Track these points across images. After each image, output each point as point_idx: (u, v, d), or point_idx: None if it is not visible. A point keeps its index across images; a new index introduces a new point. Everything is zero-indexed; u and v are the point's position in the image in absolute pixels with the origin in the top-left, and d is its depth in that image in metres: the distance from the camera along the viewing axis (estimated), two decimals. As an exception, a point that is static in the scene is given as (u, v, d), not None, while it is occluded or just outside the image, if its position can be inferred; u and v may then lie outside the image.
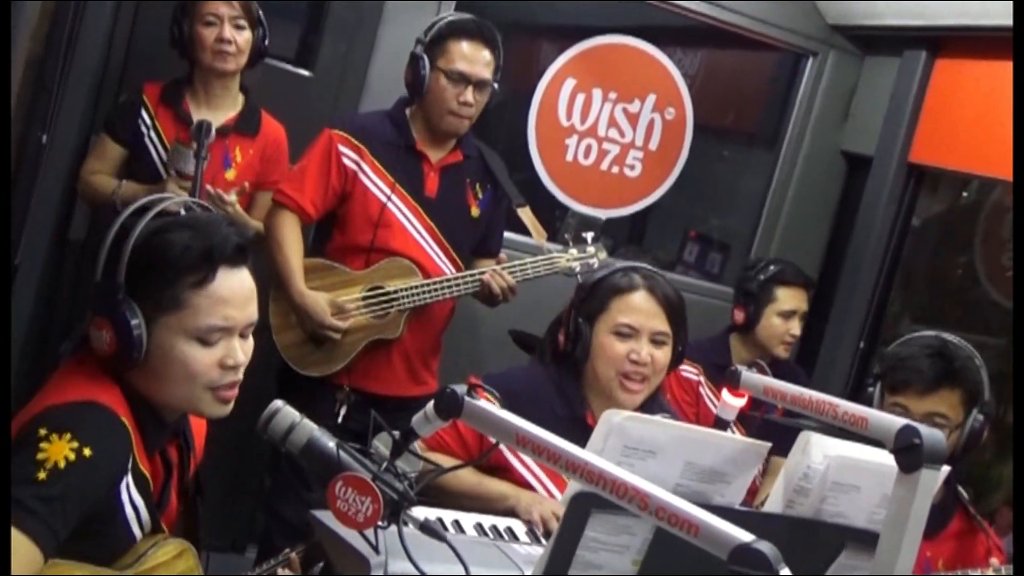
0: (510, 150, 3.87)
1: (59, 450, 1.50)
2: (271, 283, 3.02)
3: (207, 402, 1.68)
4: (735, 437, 1.69)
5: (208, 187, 2.87)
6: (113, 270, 1.61)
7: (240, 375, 1.69)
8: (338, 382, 3.03)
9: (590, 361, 2.34)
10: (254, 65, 3.10)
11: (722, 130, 4.41)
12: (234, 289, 1.66)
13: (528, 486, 2.33)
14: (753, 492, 3.20)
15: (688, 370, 3.41)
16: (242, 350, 1.68)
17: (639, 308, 2.34)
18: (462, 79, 2.98)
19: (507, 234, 3.40)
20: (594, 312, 2.36)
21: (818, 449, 1.69)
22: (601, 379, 2.33)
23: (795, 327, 3.42)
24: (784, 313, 3.43)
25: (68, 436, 1.52)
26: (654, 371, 2.33)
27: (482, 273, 3.03)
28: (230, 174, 3.09)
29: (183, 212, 1.78)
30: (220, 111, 3.07)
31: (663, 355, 2.35)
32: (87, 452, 1.52)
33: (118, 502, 1.61)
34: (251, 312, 1.69)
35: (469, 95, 2.99)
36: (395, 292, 3.00)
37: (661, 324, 2.34)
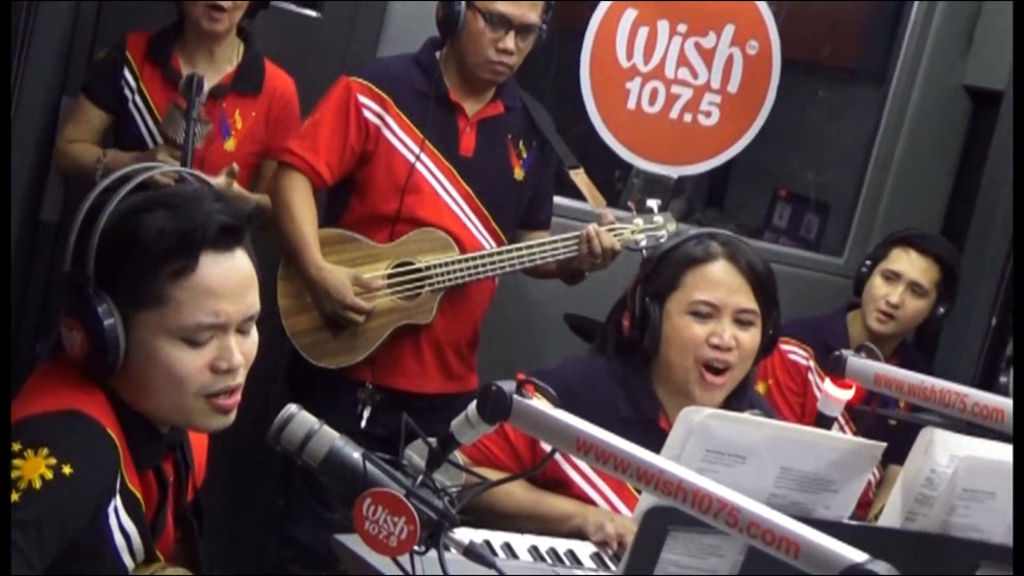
0: (558, 98, 3.86)
1: (35, 468, 1.52)
2: (280, 260, 3.03)
3: (201, 413, 1.68)
4: (842, 437, 1.68)
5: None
6: (82, 259, 1.63)
7: (240, 379, 1.70)
8: (360, 378, 3.04)
9: (662, 349, 2.33)
10: (255, 15, 3.11)
11: (817, 66, 4.37)
12: (223, 278, 1.66)
13: (590, 503, 2.33)
14: (865, 505, 3.19)
15: (796, 352, 3.38)
16: (240, 349, 1.68)
17: (719, 282, 2.32)
18: (503, 22, 2.96)
19: (558, 199, 3.40)
20: (664, 289, 2.34)
21: (944, 449, 1.68)
22: (676, 370, 2.32)
23: (895, 294, 3.34)
24: (888, 274, 3.37)
25: (45, 451, 1.53)
26: (740, 358, 2.31)
27: (528, 248, 3.02)
28: (229, 144, 3.10)
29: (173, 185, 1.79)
30: (216, 66, 3.08)
31: (750, 338, 2.33)
32: (67, 470, 1.53)
33: (105, 528, 1.62)
34: (249, 303, 1.69)
35: (510, 42, 2.98)
36: (427, 269, 3.01)
37: (746, 300, 2.32)
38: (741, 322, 2.32)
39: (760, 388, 3.38)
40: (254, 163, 3.17)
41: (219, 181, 2.85)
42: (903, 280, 3.36)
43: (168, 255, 1.62)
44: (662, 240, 3.03)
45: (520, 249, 3.05)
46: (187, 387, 1.65)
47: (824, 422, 2.10)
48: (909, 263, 3.37)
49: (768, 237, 4.37)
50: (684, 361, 2.31)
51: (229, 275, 1.67)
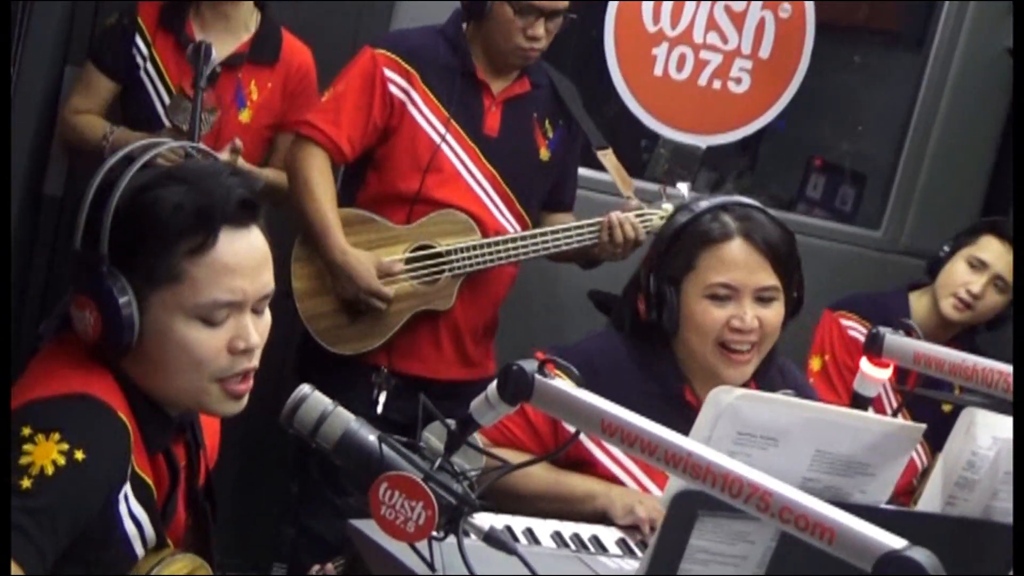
0: (582, 66, 3.84)
1: (46, 453, 1.53)
2: (295, 240, 3.04)
3: (214, 397, 1.69)
4: (879, 418, 1.67)
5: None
6: (94, 236, 1.63)
7: (255, 361, 1.71)
8: (375, 363, 3.05)
9: (681, 331, 2.33)
10: None
11: (853, 29, 4.34)
12: (241, 254, 1.67)
13: (617, 483, 2.33)
14: (909, 493, 3.18)
15: (857, 328, 3.36)
16: (256, 330, 1.69)
17: (736, 262, 2.30)
18: (533, 10, 2.95)
19: (584, 171, 3.39)
20: (679, 271, 2.33)
21: (986, 430, 1.67)
22: (697, 353, 2.32)
23: (978, 284, 3.28)
24: (974, 261, 3.31)
25: (57, 436, 1.54)
26: (764, 335, 2.31)
27: (553, 232, 3.01)
28: (244, 115, 3.11)
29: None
30: (231, 34, 3.08)
31: (773, 314, 2.32)
32: (79, 455, 1.54)
33: (115, 514, 1.63)
34: (265, 281, 1.70)
35: (540, 29, 2.97)
36: (448, 253, 3.01)
37: (766, 277, 2.31)
38: (762, 299, 2.31)
39: (815, 363, 3.38)
40: (269, 136, 3.17)
41: (223, 158, 2.85)
42: (989, 271, 3.30)
43: (186, 231, 1.63)
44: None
45: (545, 234, 3.04)
46: (203, 369, 1.66)
47: (860, 402, 2.10)
48: (999, 254, 3.32)
49: (801, 209, 4.35)
50: (704, 345, 2.30)
51: (246, 252, 1.67)
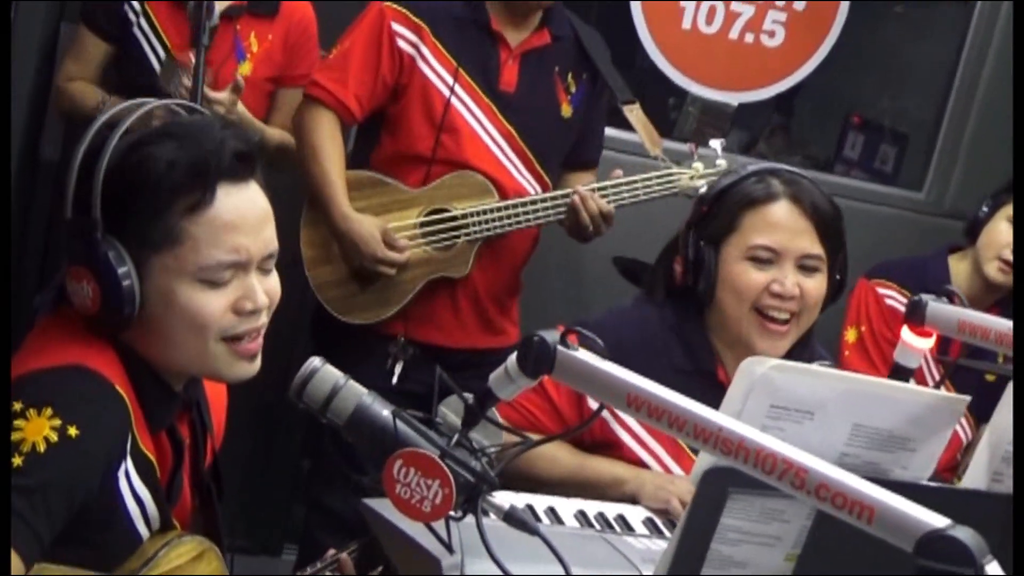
0: (606, 20, 3.83)
1: (38, 429, 1.54)
2: (303, 204, 3.04)
3: (224, 359, 1.70)
4: (921, 390, 1.67)
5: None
6: (86, 202, 1.63)
7: (263, 320, 1.71)
8: (391, 332, 3.06)
9: (717, 297, 2.33)
10: None
11: (894, -22, 4.31)
12: (241, 210, 1.67)
13: (643, 467, 2.33)
14: (952, 469, 3.17)
15: (895, 297, 3.35)
16: (263, 289, 1.69)
17: (780, 224, 2.31)
18: None
19: (610, 131, 3.38)
20: (720, 232, 2.34)
21: (1034, 403, 1.66)
22: (732, 320, 2.32)
23: None
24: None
25: (49, 411, 1.55)
26: (804, 306, 2.31)
27: (566, 196, 3.01)
28: (244, 68, 3.10)
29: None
30: None
31: (815, 285, 2.32)
32: (73, 431, 1.55)
33: (116, 493, 1.64)
34: (267, 238, 1.71)
35: None
36: (463, 217, 3.01)
37: (811, 244, 2.31)
38: (805, 268, 2.31)
39: (850, 335, 3.37)
40: (269, 90, 3.17)
41: (222, 96, 2.85)
42: None
43: (181, 188, 1.63)
44: None
45: (567, 196, 3.02)
46: (209, 331, 1.67)
47: (901, 373, 2.09)
48: None
49: (839, 170, 4.34)
50: (741, 309, 2.30)
51: (246, 208, 1.68)
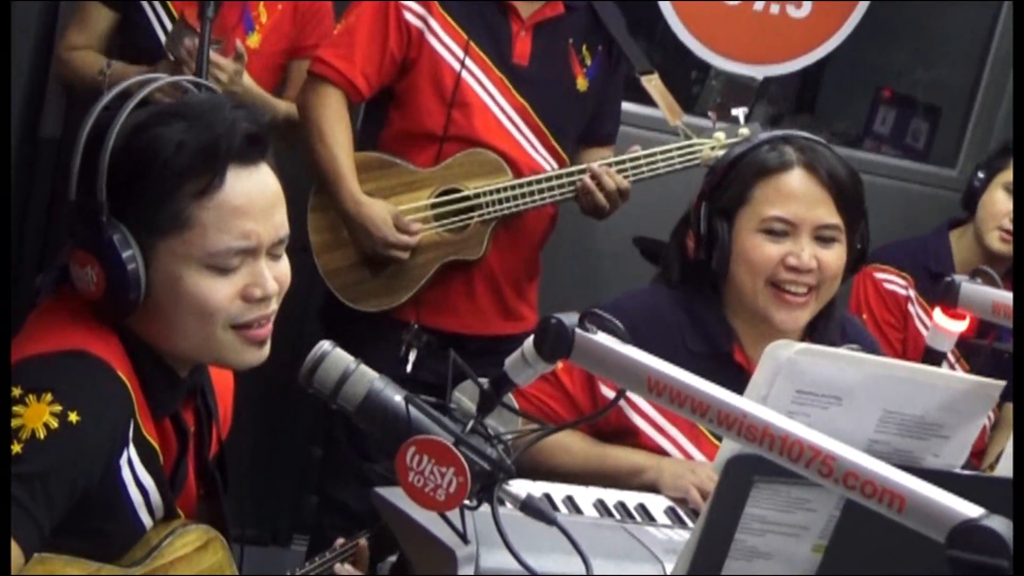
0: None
1: (37, 415, 1.54)
2: (311, 187, 3.04)
3: (232, 346, 1.71)
4: (954, 375, 1.66)
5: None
6: (91, 184, 1.63)
7: (273, 307, 1.71)
8: (404, 318, 3.06)
9: (731, 272, 2.33)
10: None
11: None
12: (252, 194, 1.67)
13: (661, 453, 2.33)
14: (979, 453, 3.17)
15: (893, 281, 3.35)
16: (273, 276, 1.70)
17: (795, 194, 2.30)
18: None
19: (628, 106, 3.37)
20: (733, 204, 2.33)
21: (1072, 387, 1.66)
22: (747, 295, 2.32)
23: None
24: (1011, 186, 3.31)
25: (49, 397, 1.56)
26: (822, 278, 2.30)
27: (582, 171, 3.00)
28: (253, 39, 3.10)
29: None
30: None
31: (834, 256, 2.31)
32: (73, 417, 1.56)
33: (119, 481, 1.65)
34: (278, 223, 1.71)
35: None
36: (476, 197, 3.01)
37: (827, 214, 2.30)
38: (822, 239, 2.30)
39: None
40: (281, 63, 3.17)
41: (226, 63, 2.85)
42: None
43: (190, 172, 1.63)
44: None
45: (583, 172, 3.01)
46: (216, 318, 1.67)
47: (933, 358, 2.09)
48: None
49: (869, 146, 4.32)
50: (756, 284, 2.30)
51: (257, 191, 1.68)
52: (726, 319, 2.37)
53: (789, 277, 2.28)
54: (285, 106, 3.10)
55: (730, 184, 2.34)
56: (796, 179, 2.30)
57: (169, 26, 3.02)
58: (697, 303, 2.37)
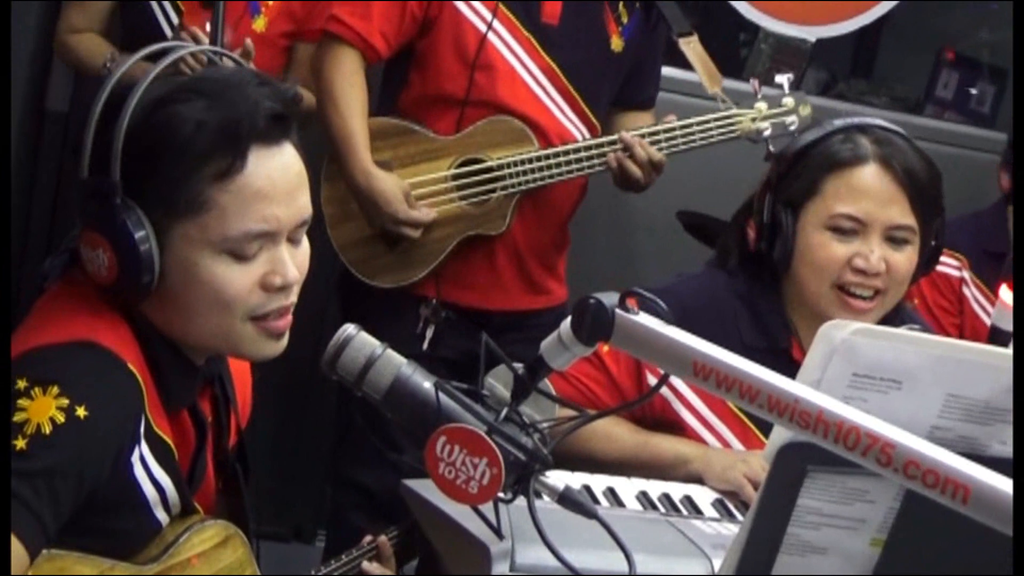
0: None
1: (44, 409, 1.55)
2: (324, 156, 3.04)
3: (250, 338, 1.71)
4: (1022, 356, 1.65)
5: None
6: (104, 162, 1.63)
7: (293, 297, 1.72)
8: (422, 293, 3.07)
9: (794, 268, 2.32)
10: None
11: None
12: (275, 177, 1.67)
13: (709, 448, 2.34)
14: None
15: (945, 263, 3.33)
16: (293, 262, 1.70)
17: (868, 191, 2.29)
18: None
19: (666, 70, 3.36)
20: (800, 196, 2.32)
21: None
22: (810, 295, 2.31)
23: None
24: None
25: (55, 390, 1.57)
26: (891, 282, 2.29)
27: (613, 143, 2.99)
28: (259, 23, 3.11)
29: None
30: None
31: (904, 259, 2.30)
32: (81, 412, 1.57)
33: (131, 479, 1.66)
34: (301, 206, 1.71)
35: None
36: (499, 168, 3.00)
37: (901, 214, 2.29)
38: (893, 240, 2.29)
39: None
40: (285, 45, 3.17)
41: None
42: None
43: (211, 153, 1.63)
44: (791, 128, 2.98)
45: (614, 143, 3.00)
46: (235, 309, 1.67)
47: (1000, 338, 2.07)
48: None
49: (930, 112, 4.29)
50: (820, 285, 2.29)
51: (280, 173, 1.68)
52: (785, 313, 2.36)
53: (855, 280, 2.28)
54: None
55: (799, 174, 2.33)
56: (869, 175, 2.29)
57: (170, 11, 3.03)
58: (756, 294, 2.36)
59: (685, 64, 3.18)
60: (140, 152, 1.63)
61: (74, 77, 3.39)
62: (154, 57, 1.70)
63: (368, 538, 2.18)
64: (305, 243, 1.74)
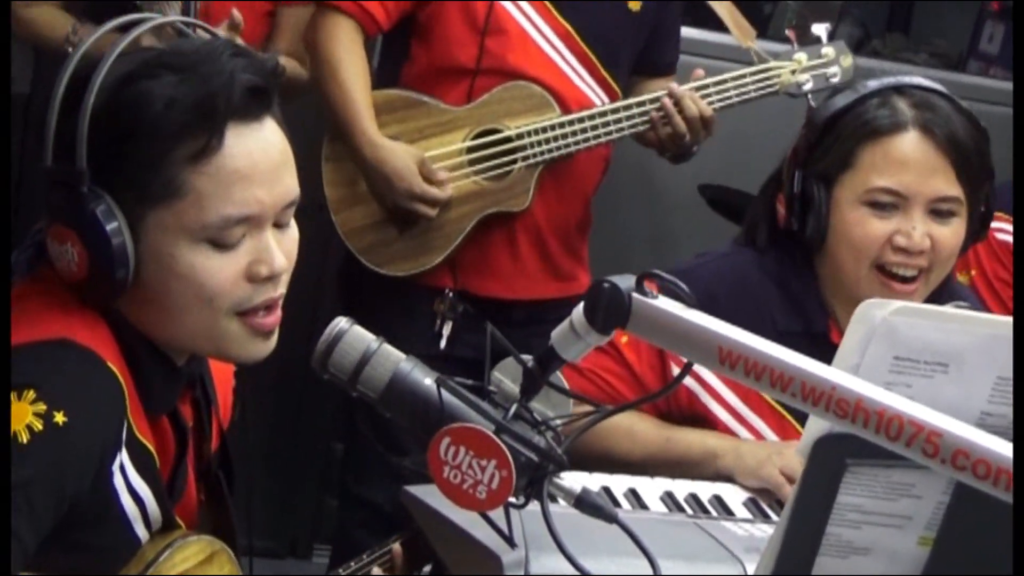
0: None
1: (19, 416, 1.56)
2: (325, 134, 3.05)
3: (236, 337, 1.71)
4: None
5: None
6: (69, 148, 1.64)
7: (282, 288, 1.72)
8: (438, 283, 3.07)
9: (829, 245, 2.31)
10: None
11: None
12: (255, 156, 1.67)
13: (741, 442, 2.34)
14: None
15: (1004, 229, 3.33)
16: (281, 248, 1.70)
17: (908, 161, 2.28)
18: None
19: (688, 32, 3.35)
20: (833, 168, 2.31)
21: None
22: (847, 277, 2.31)
23: None
24: None
25: (31, 395, 1.57)
26: (936, 260, 2.28)
27: (655, 100, 2.99)
28: None
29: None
30: None
31: (951, 233, 2.30)
32: (59, 418, 1.57)
33: (110, 490, 1.66)
34: (286, 187, 1.71)
35: None
36: (518, 138, 3.00)
37: (946, 184, 2.28)
38: (938, 213, 2.28)
39: (960, 281, 3.34)
40: (268, 9, 3.17)
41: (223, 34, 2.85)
42: None
43: (183, 132, 1.63)
44: (834, 80, 2.97)
45: (642, 104, 3.01)
46: (219, 303, 1.68)
47: (1056, 314, 2.07)
48: None
49: (973, 68, 4.29)
50: (857, 266, 2.29)
51: (260, 152, 1.68)
52: (821, 294, 2.36)
53: (897, 259, 2.27)
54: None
55: (831, 144, 2.32)
56: (909, 144, 2.28)
57: None
58: (788, 274, 2.36)
59: (704, 23, 3.18)
60: (107, 135, 1.64)
61: (34, 55, 3.39)
62: (121, 30, 1.70)
63: (368, 552, 2.18)
64: (293, 227, 1.74)
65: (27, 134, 3.42)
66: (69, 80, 1.66)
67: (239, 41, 2.90)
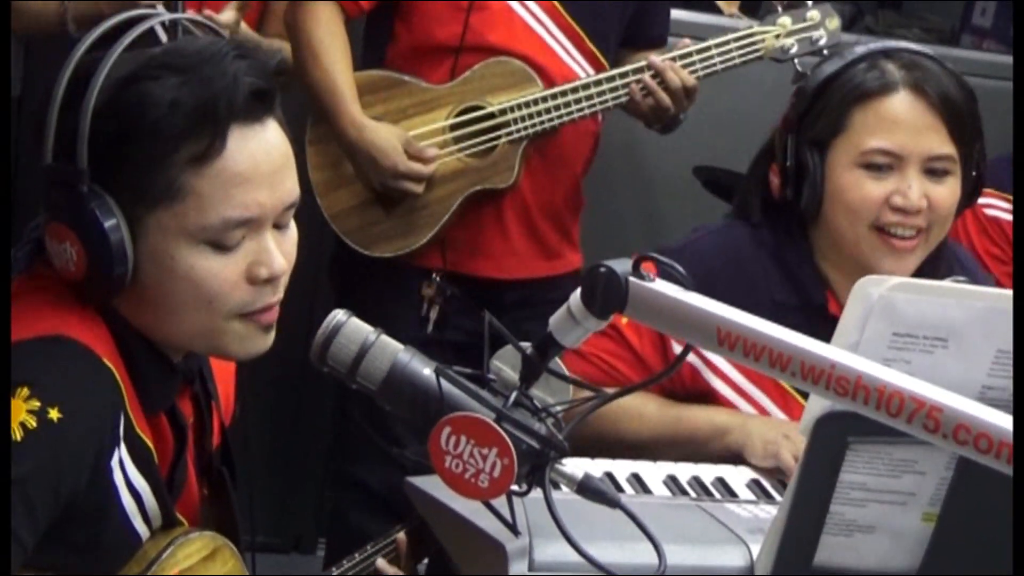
0: None
1: (14, 413, 1.55)
2: (307, 119, 3.04)
3: (236, 336, 1.72)
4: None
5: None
6: (69, 147, 1.63)
7: (281, 292, 1.72)
8: (426, 264, 3.07)
9: (825, 212, 2.32)
10: None
11: None
12: (257, 159, 1.67)
13: (748, 416, 2.34)
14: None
15: (995, 205, 3.33)
16: (280, 250, 1.70)
17: (900, 121, 2.29)
18: None
19: (676, 12, 3.35)
20: (826, 133, 2.32)
21: None
22: (846, 240, 2.31)
23: None
24: None
25: (26, 391, 1.57)
26: (934, 219, 2.29)
27: (638, 71, 2.98)
28: None
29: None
30: None
31: (947, 192, 2.30)
32: (54, 414, 1.57)
33: (109, 487, 1.66)
34: (287, 190, 1.71)
35: None
36: (501, 113, 3.00)
37: (939, 143, 2.29)
38: (933, 172, 2.29)
39: None
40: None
41: (225, 18, 2.86)
42: None
43: (185, 135, 1.63)
44: (820, 43, 2.97)
45: (625, 75, 3.00)
46: (218, 306, 1.68)
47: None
48: None
49: (967, 42, 4.28)
50: (856, 229, 2.29)
51: (263, 155, 1.68)
52: (817, 265, 2.36)
53: (895, 219, 2.27)
54: (267, 44, 3.10)
55: (823, 108, 2.32)
56: (901, 103, 2.29)
57: None
58: (783, 246, 2.36)
59: (692, 4, 3.18)
60: (108, 136, 1.63)
61: (24, 57, 3.38)
62: (122, 27, 1.70)
63: (370, 543, 2.18)
64: (293, 228, 1.75)
65: (20, 132, 3.44)
66: (70, 78, 1.66)
67: (244, 27, 2.92)
